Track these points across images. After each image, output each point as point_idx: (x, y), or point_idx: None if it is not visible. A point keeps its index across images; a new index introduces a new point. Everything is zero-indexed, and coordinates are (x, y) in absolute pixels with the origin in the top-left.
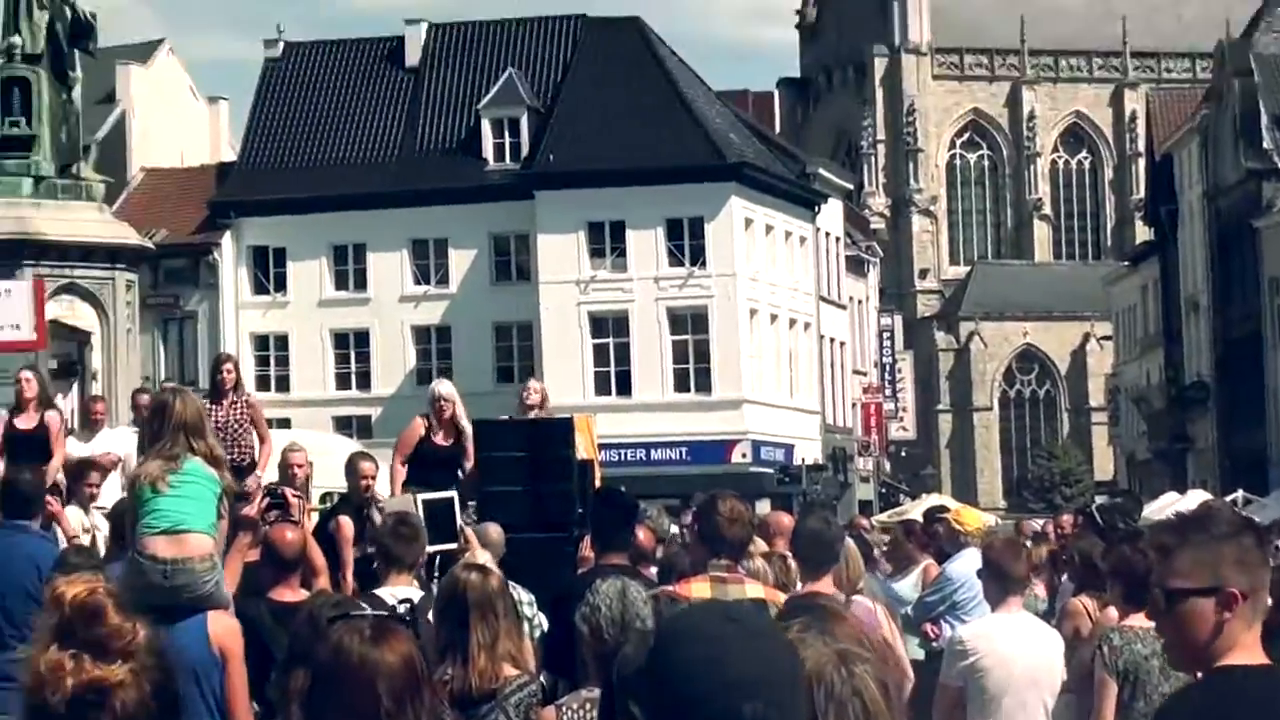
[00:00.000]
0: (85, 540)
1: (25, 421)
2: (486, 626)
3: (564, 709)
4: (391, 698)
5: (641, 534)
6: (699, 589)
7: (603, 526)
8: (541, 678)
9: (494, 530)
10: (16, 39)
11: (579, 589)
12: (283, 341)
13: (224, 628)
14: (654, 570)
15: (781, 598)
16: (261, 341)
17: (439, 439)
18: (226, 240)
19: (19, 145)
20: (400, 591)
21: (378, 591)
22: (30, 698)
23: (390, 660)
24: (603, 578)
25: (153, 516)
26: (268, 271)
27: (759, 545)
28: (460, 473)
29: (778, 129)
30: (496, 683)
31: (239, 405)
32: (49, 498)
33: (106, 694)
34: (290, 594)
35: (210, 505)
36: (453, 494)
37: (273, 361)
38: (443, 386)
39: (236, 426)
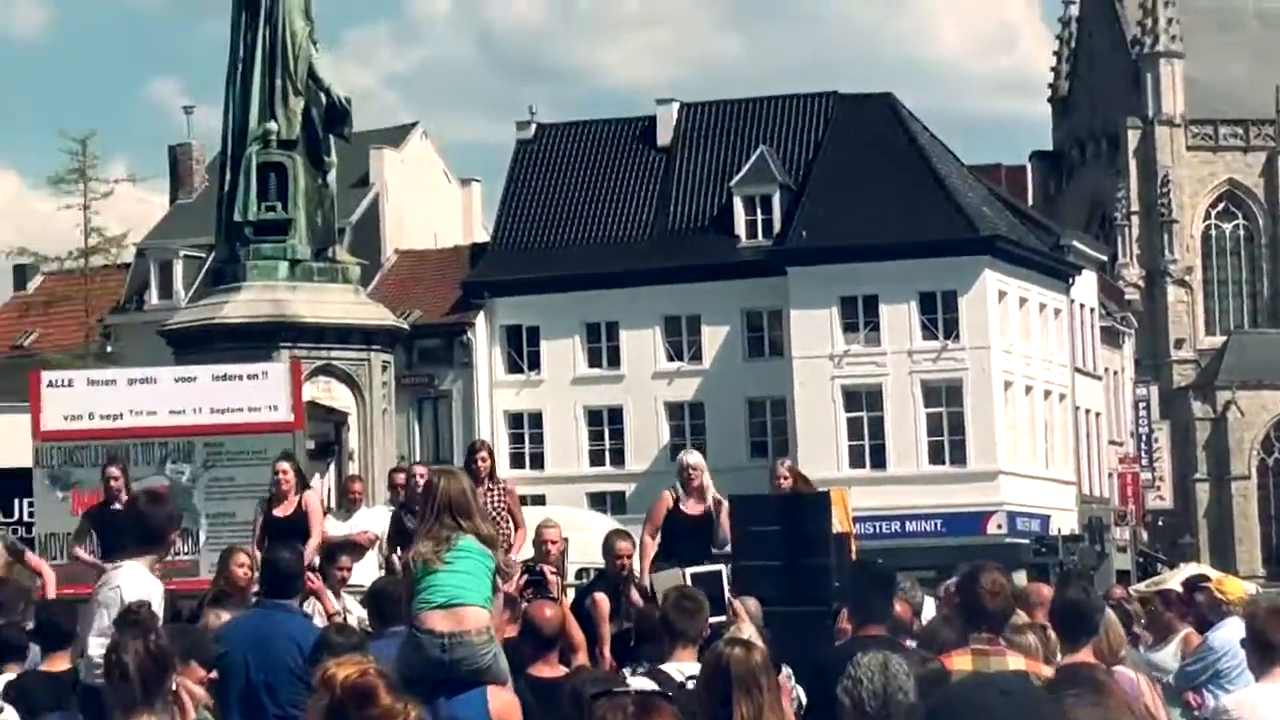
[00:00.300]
0: None
1: (283, 510)
2: (750, 701)
3: None
4: None
5: (899, 606)
6: (960, 662)
7: (861, 598)
8: None
9: (752, 604)
10: (273, 125)
11: (837, 662)
12: (536, 419)
13: (503, 702)
14: (910, 643)
15: (1044, 669)
16: (515, 419)
17: (688, 508)
18: (480, 320)
19: (275, 229)
20: (686, 667)
21: (664, 667)
22: None
23: None
24: (864, 650)
25: (429, 591)
26: (521, 350)
27: (1021, 617)
28: (711, 544)
29: (1030, 202)
30: None
31: (495, 492)
32: (309, 575)
33: None
34: (549, 670)
35: (485, 580)
36: (720, 567)
37: (527, 439)
38: (691, 456)
39: (493, 514)
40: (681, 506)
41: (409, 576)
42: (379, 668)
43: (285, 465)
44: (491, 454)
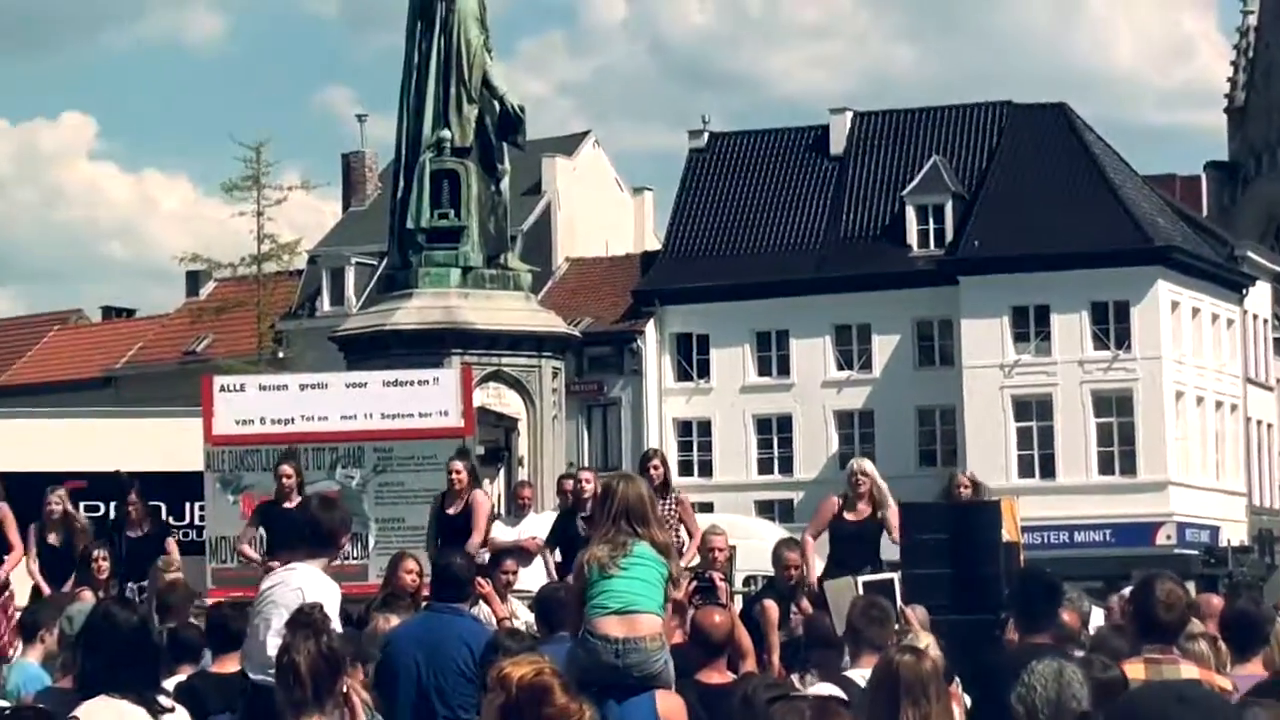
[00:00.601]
0: None
1: (454, 508)
2: (917, 709)
3: None
4: None
5: (1066, 615)
6: (1133, 671)
7: (1027, 607)
8: None
9: (920, 612)
10: (446, 133)
11: (1005, 670)
12: (705, 427)
13: (671, 705)
14: (1078, 652)
15: (1218, 679)
16: (684, 427)
17: (853, 515)
18: (650, 328)
19: (448, 236)
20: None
21: (849, 674)
22: None
23: None
24: (1039, 658)
25: (604, 597)
26: (691, 358)
27: (1195, 626)
28: (875, 552)
29: (1205, 212)
30: None
31: (669, 503)
32: (479, 580)
33: None
34: (718, 676)
35: (659, 587)
36: (893, 576)
37: (695, 447)
38: (862, 463)
39: (669, 523)
40: (846, 513)
41: (581, 580)
42: (554, 667)
43: (459, 464)
44: (665, 462)
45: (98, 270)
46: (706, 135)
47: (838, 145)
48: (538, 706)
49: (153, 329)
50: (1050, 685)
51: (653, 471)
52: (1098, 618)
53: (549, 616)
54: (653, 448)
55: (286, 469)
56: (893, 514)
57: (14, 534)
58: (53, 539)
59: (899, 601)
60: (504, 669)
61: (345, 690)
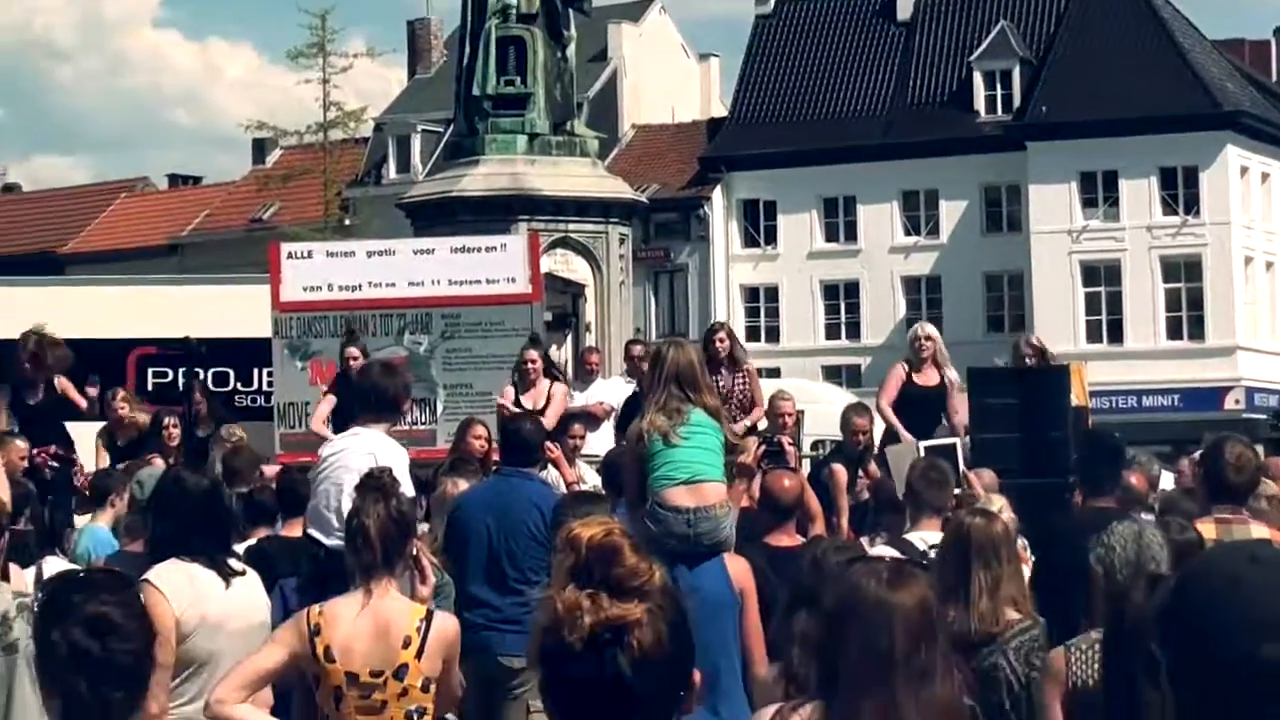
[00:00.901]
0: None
1: (530, 399)
2: (988, 571)
3: (1073, 649)
4: (907, 639)
5: (1134, 478)
6: (1205, 531)
7: (1091, 470)
8: None
9: (988, 476)
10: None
11: (1071, 533)
12: (772, 293)
13: (740, 568)
14: (1146, 515)
15: None
16: (751, 294)
17: (921, 379)
18: (717, 194)
19: (514, 103)
20: (930, 537)
21: (908, 536)
22: (546, 638)
23: (907, 603)
24: (1111, 521)
25: (670, 468)
26: (758, 225)
27: (1269, 487)
28: (943, 415)
29: (1275, 77)
30: (997, 626)
31: (741, 377)
32: (549, 444)
33: (624, 633)
34: (787, 540)
35: (719, 454)
36: (955, 440)
37: (763, 313)
38: (925, 327)
39: (740, 398)
40: (914, 377)
41: (641, 450)
42: (623, 528)
43: (534, 353)
44: (732, 335)
45: (163, 138)
46: (773, 2)
47: (905, 11)
48: (607, 566)
49: (219, 196)
50: (1130, 546)
51: (718, 344)
52: (1167, 481)
53: (616, 480)
54: (718, 321)
55: (353, 351)
56: (955, 387)
57: (75, 394)
58: (120, 441)
59: (961, 465)
60: (573, 530)
61: (414, 553)
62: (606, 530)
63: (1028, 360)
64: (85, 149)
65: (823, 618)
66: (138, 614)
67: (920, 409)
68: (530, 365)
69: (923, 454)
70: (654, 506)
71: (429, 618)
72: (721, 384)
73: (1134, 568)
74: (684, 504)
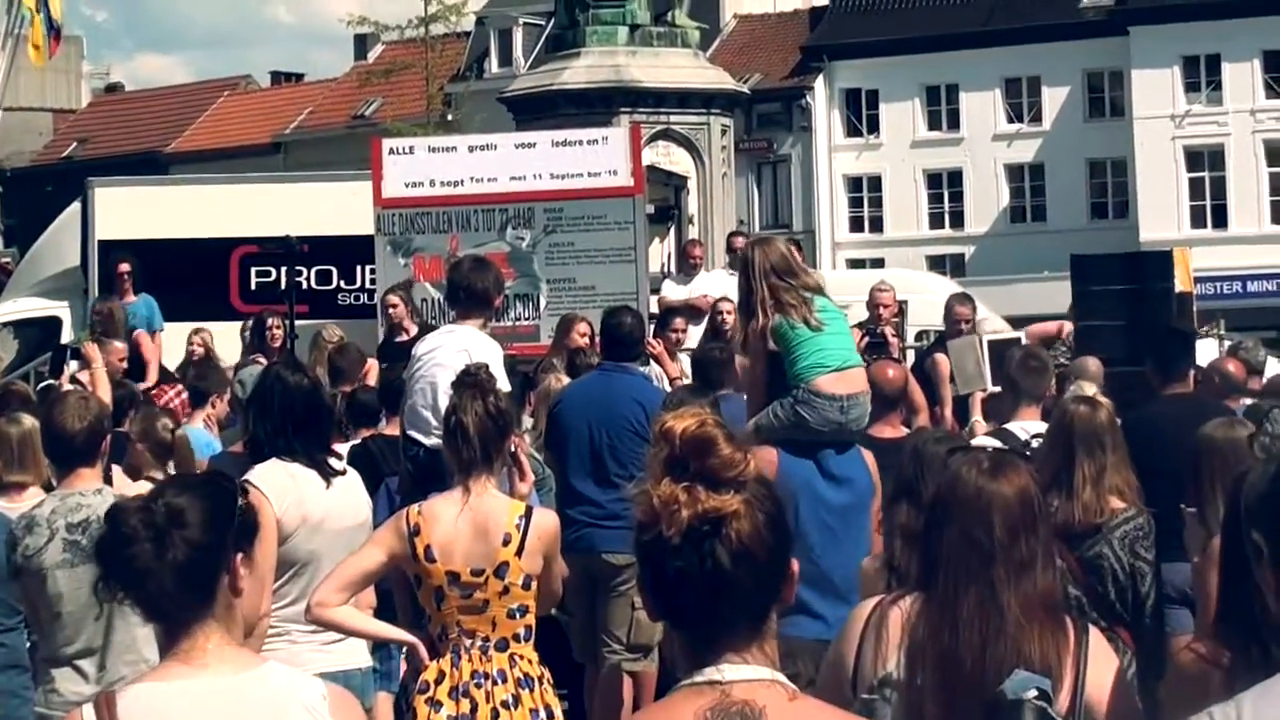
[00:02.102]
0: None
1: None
2: (1092, 459)
3: None
4: (1006, 530)
5: (1231, 365)
6: None
7: (1160, 357)
8: None
9: (1092, 363)
10: None
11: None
12: (875, 183)
13: (871, 457)
14: (1245, 401)
15: None
16: (854, 183)
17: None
18: (819, 84)
19: None
20: (1031, 426)
21: (1008, 426)
22: (643, 533)
23: (1007, 493)
24: (1198, 411)
25: (820, 355)
26: (860, 114)
27: None
28: None
29: None
30: (1102, 516)
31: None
32: (651, 339)
33: (721, 524)
34: (891, 431)
35: (852, 337)
36: (1019, 335)
37: (866, 203)
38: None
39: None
40: None
41: (778, 340)
42: (717, 418)
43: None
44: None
45: (264, 35)
46: None
47: None
48: (702, 458)
49: (321, 93)
50: None
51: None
52: (1274, 367)
53: (708, 374)
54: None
55: (392, 299)
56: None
57: (153, 363)
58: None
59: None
60: (666, 422)
61: (513, 450)
62: (700, 421)
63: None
64: (187, 47)
65: (923, 508)
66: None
67: None
68: (393, 310)
69: (986, 348)
70: (807, 394)
71: (528, 514)
72: None
73: None
74: (838, 391)
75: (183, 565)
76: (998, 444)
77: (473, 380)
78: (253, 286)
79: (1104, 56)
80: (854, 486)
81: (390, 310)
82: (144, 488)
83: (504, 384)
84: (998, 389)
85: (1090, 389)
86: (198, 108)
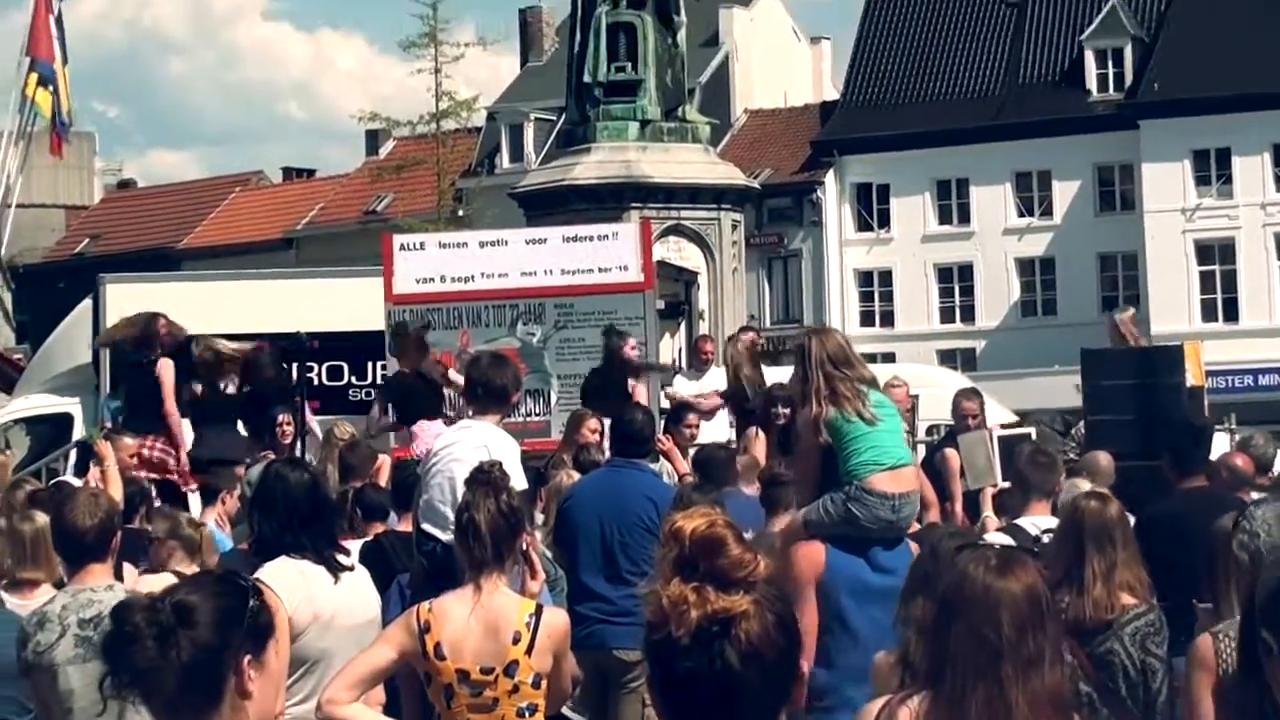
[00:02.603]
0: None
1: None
2: (1103, 555)
3: (1220, 637)
4: (1014, 627)
5: (1239, 459)
6: None
7: (1177, 451)
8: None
9: (1103, 458)
10: None
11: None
12: (886, 277)
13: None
14: (1255, 495)
15: None
16: (865, 278)
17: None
18: (830, 178)
19: (625, 90)
20: (1041, 521)
21: (1018, 521)
22: (653, 633)
23: (1014, 590)
24: (1257, 504)
25: (875, 453)
26: (871, 208)
27: None
28: None
29: None
30: (1113, 612)
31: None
32: (660, 436)
33: (731, 625)
34: None
35: (903, 434)
36: (1029, 431)
37: (876, 297)
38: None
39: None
40: None
41: (832, 434)
42: (728, 519)
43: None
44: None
45: (276, 130)
46: None
47: None
48: (712, 558)
49: (333, 189)
50: (1274, 529)
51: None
52: None
53: (711, 474)
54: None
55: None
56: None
57: (169, 399)
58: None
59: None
60: (676, 522)
61: (525, 548)
62: (710, 522)
63: (1126, 337)
64: (199, 143)
65: (933, 605)
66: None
67: None
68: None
69: (995, 443)
70: (860, 491)
71: (538, 613)
72: None
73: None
74: (891, 490)
75: (187, 666)
76: (1008, 540)
77: (486, 478)
78: None
79: (1114, 150)
80: (896, 578)
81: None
82: (169, 580)
83: (520, 481)
84: (1008, 484)
85: (1084, 485)
86: (210, 204)
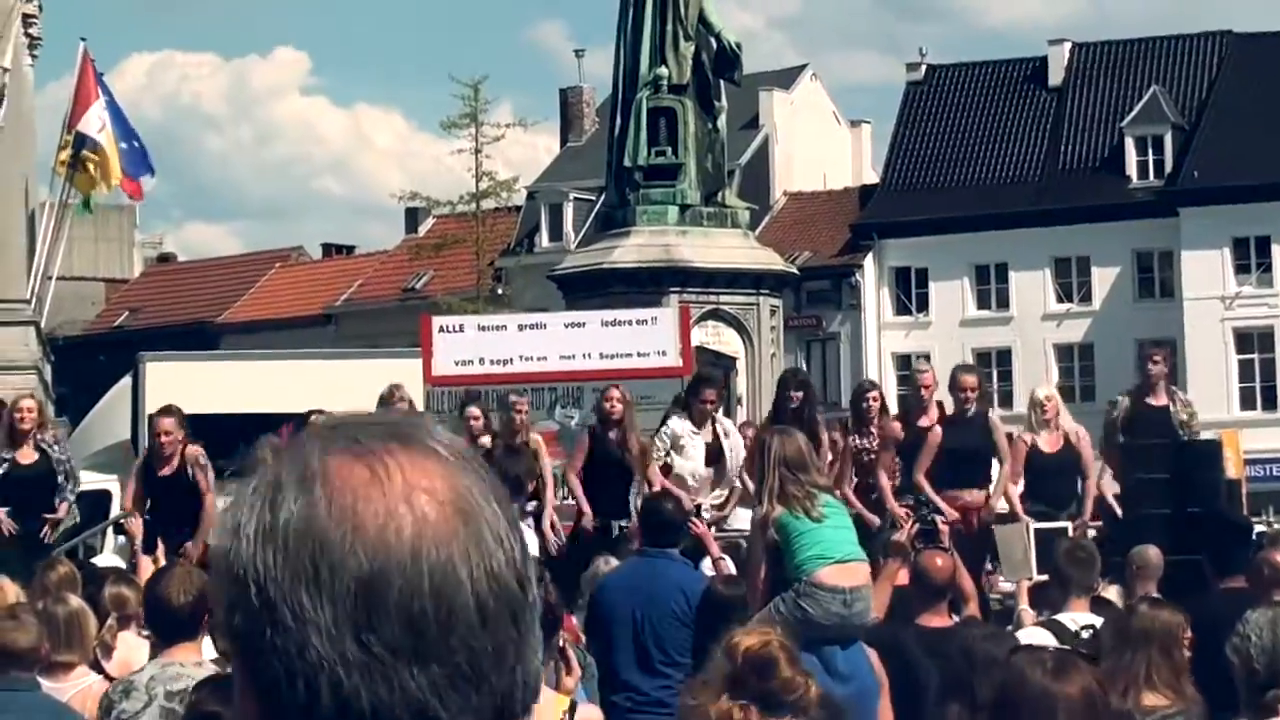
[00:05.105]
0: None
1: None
2: (1150, 657)
3: None
4: None
5: (1278, 555)
6: None
7: (1218, 550)
8: None
9: (1153, 553)
10: (663, 70)
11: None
12: (925, 361)
13: (875, 655)
14: None
15: None
16: (904, 362)
17: (1045, 445)
18: (869, 262)
19: (666, 174)
20: (1081, 617)
21: (1058, 617)
22: None
23: (1071, 692)
24: (1253, 607)
25: (823, 547)
26: (909, 292)
27: None
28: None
29: None
30: (1153, 715)
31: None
32: (693, 521)
33: None
34: (939, 620)
35: (855, 532)
36: (1066, 525)
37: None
38: (1040, 391)
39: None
40: (1040, 444)
41: (780, 530)
42: (782, 639)
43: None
44: (882, 396)
45: (314, 205)
46: (924, 68)
47: (1056, 76)
48: (763, 678)
49: (372, 265)
50: (1265, 634)
51: (871, 403)
52: None
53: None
54: (869, 380)
55: (473, 410)
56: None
57: (208, 490)
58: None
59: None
60: (734, 637)
61: (561, 644)
62: (764, 641)
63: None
64: (237, 217)
65: (976, 708)
66: None
67: (1052, 476)
68: (610, 405)
69: (1031, 536)
70: (809, 586)
71: (573, 709)
72: (865, 442)
73: (1270, 656)
74: (841, 583)
75: None
76: (1050, 637)
77: None
78: None
79: (1154, 237)
80: (859, 685)
81: (471, 422)
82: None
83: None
84: (1043, 577)
85: (1112, 591)
86: (249, 279)
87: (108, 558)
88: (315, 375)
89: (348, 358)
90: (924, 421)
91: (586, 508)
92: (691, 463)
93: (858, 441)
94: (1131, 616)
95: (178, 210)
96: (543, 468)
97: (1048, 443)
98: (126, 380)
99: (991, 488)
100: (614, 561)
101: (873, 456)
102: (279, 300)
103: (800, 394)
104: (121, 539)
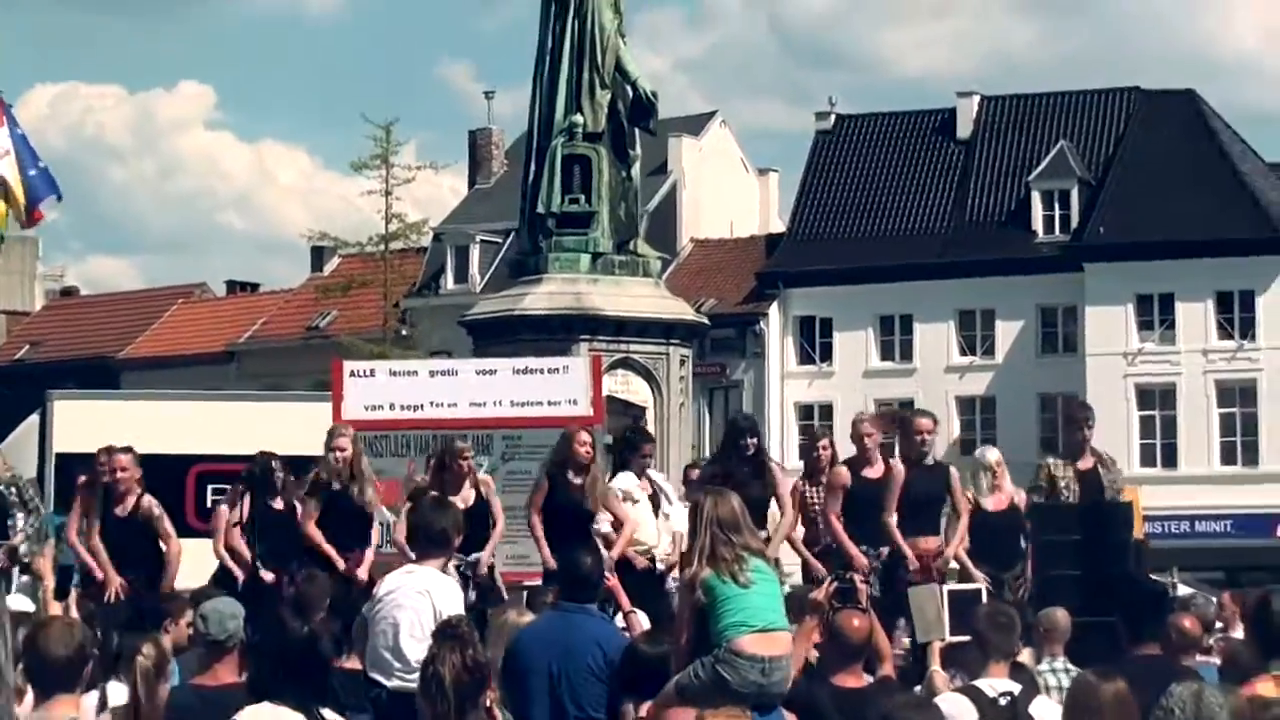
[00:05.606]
0: None
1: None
2: None
3: None
4: None
5: (1187, 621)
6: (1264, 689)
7: (1133, 616)
8: None
9: (1060, 615)
10: (578, 118)
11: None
12: (827, 411)
13: (794, 717)
14: (1201, 658)
15: None
16: (806, 411)
17: (991, 506)
18: (774, 310)
19: (578, 222)
20: (999, 684)
21: (977, 683)
22: None
23: None
24: (1178, 680)
25: (745, 614)
26: (814, 341)
27: None
28: (1022, 537)
29: None
30: None
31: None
32: (608, 576)
33: None
34: (854, 680)
35: (782, 600)
36: (980, 587)
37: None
38: (990, 454)
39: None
40: (985, 505)
41: (706, 594)
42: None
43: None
44: (833, 444)
45: (217, 241)
46: (833, 117)
47: (965, 129)
48: None
49: (276, 304)
50: (1189, 707)
51: (822, 452)
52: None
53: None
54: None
55: (463, 445)
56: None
57: (167, 533)
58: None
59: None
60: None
61: (489, 704)
62: None
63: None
64: (140, 250)
65: None
66: None
67: (1003, 536)
68: (583, 449)
69: (946, 599)
70: (729, 654)
71: None
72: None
73: None
74: (760, 652)
75: None
76: (969, 704)
77: (453, 632)
78: (209, 504)
79: (1058, 292)
80: None
81: (463, 458)
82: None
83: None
84: (955, 639)
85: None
86: (152, 314)
87: (16, 599)
88: (226, 416)
89: (258, 400)
90: (870, 473)
91: (547, 552)
92: (647, 513)
93: (809, 492)
94: (1086, 687)
95: (78, 242)
96: (494, 513)
97: (993, 503)
98: (34, 418)
99: (945, 537)
100: (528, 614)
101: (817, 507)
102: (181, 336)
103: (754, 440)
104: (26, 578)
